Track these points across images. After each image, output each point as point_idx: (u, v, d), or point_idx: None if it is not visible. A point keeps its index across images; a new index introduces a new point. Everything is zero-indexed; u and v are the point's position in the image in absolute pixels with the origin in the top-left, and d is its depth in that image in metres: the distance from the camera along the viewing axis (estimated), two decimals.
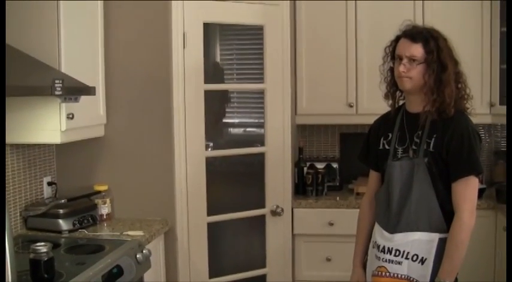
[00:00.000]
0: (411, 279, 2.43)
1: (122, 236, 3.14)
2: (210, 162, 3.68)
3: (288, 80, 3.97)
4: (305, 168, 4.33)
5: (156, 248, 3.31)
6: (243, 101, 4.39)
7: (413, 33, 2.47)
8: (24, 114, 2.95)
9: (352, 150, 4.59)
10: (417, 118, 2.50)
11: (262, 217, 3.94)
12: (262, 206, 3.93)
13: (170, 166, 3.49)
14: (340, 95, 4.30)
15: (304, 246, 4.14)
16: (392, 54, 2.57)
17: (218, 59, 4.12)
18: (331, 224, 4.06)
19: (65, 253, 2.83)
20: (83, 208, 3.32)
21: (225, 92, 4.17)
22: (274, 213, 3.93)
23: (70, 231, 3.18)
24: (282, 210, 3.94)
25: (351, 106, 4.28)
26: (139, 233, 3.18)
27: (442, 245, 2.41)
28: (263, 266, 3.97)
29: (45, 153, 3.48)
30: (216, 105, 4.06)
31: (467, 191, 2.40)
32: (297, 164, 4.32)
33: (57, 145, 3.44)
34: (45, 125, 2.94)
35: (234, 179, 4.09)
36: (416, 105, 2.53)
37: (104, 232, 3.26)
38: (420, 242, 2.44)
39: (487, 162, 4.54)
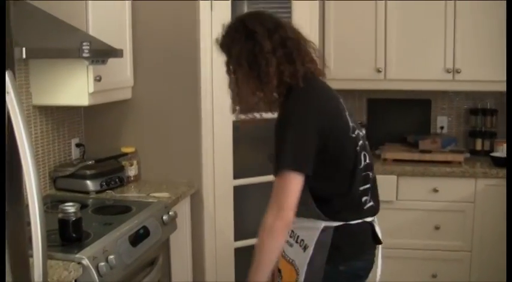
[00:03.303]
0: (294, 263, 2.28)
1: (148, 197, 3.18)
2: (237, 126, 3.68)
3: (316, 44, 3.91)
4: None
5: (182, 210, 3.34)
6: None
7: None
8: (52, 76, 2.98)
9: (380, 116, 4.60)
10: None
11: None
12: None
13: (197, 128, 3.50)
14: (368, 60, 4.23)
15: None
16: None
17: None
18: None
19: (92, 213, 2.87)
20: (110, 170, 3.36)
21: None
22: None
23: (97, 192, 3.23)
24: None
25: (380, 71, 4.22)
26: (166, 194, 3.21)
27: (325, 233, 2.21)
28: None
29: (73, 115, 3.52)
30: None
31: (275, 189, 2.15)
32: None
33: (84, 107, 3.47)
34: (73, 87, 2.97)
35: (261, 143, 4.08)
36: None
37: (131, 193, 3.30)
38: (306, 228, 2.27)
39: None
